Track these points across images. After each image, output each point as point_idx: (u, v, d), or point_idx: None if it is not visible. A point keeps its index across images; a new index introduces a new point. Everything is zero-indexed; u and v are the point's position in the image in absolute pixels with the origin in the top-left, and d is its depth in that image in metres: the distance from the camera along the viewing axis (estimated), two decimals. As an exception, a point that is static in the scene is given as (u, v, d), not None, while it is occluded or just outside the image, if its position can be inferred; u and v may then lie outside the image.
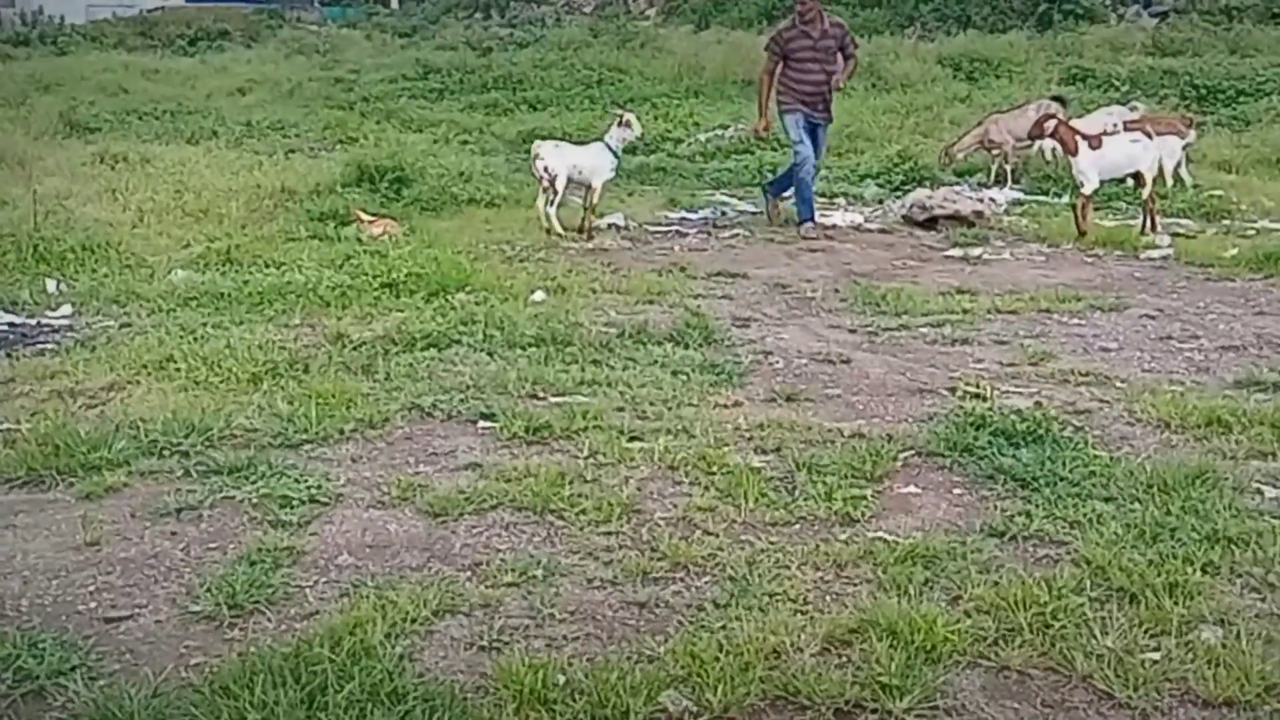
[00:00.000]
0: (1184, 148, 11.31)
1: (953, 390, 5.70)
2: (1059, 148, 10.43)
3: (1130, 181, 10.34)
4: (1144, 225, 9.78)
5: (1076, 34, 21.06)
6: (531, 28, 26.19)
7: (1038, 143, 10.86)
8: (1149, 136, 9.88)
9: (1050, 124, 9.70)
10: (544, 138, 10.69)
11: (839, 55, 10.10)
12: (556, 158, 9.51)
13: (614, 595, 3.73)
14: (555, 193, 9.51)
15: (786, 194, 10.52)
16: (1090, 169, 9.49)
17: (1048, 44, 20.27)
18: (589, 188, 9.68)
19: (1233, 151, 13.27)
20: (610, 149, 9.70)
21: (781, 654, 3.32)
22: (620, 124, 9.79)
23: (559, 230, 9.56)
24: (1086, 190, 9.63)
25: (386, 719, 2.87)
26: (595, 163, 9.61)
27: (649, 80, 19.11)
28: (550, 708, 3.02)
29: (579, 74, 19.35)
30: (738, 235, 10.16)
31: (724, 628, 3.47)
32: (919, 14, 24.36)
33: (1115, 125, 11.22)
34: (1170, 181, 11.28)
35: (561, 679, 3.17)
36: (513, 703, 3.03)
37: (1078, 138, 9.62)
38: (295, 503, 4.31)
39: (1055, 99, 12.47)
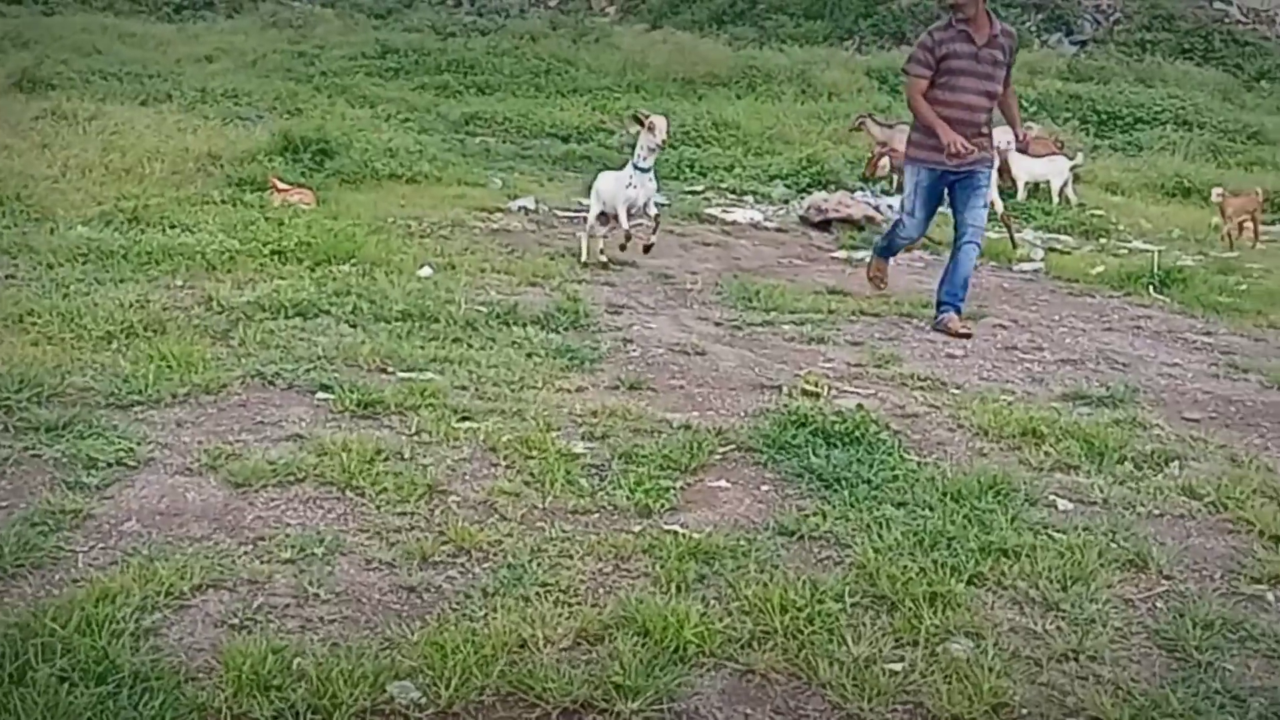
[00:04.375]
0: (1071, 169, 11.20)
1: (783, 388, 5.46)
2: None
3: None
4: (1010, 238, 9.61)
5: (1000, 56, 20.85)
6: (496, 16, 25.69)
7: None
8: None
9: (884, 162, 9.50)
10: (607, 167, 9.41)
11: (1005, 72, 7.04)
12: (593, 187, 8.40)
13: (388, 578, 3.46)
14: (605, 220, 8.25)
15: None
16: None
17: (972, 64, 20.02)
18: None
19: (1122, 175, 13.17)
20: (637, 166, 7.83)
21: (529, 647, 3.08)
22: (646, 129, 7.70)
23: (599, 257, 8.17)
24: None
25: (85, 700, 2.59)
26: (610, 189, 8.06)
27: (594, 73, 18.71)
28: (268, 694, 2.76)
29: (529, 63, 18.92)
30: (640, 225, 9.86)
31: (484, 617, 3.22)
32: (858, 28, 24.13)
33: (1009, 143, 11.02)
34: (1056, 200, 11.16)
35: (296, 664, 2.91)
36: (231, 687, 2.77)
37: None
38: (100, 465, 4.01)
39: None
